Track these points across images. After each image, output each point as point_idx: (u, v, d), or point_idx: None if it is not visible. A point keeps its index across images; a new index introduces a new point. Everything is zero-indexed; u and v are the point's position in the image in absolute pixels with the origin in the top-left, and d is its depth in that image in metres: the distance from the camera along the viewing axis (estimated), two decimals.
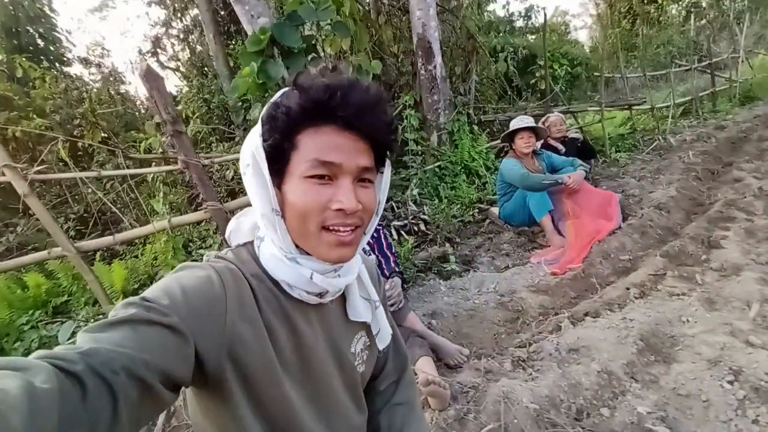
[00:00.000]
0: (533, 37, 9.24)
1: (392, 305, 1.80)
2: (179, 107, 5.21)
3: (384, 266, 1.95)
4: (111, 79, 7.80)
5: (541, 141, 3.37)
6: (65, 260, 2.83)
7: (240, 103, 4.82)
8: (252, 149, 0.54)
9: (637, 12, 12.92)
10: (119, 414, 0.36)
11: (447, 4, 4.95)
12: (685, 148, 4.70)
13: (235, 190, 4.10)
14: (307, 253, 0.57)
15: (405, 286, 2.04)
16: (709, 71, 7.24)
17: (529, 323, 2.06)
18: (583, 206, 2.88)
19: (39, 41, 7.52)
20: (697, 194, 3.40)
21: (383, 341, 0.70)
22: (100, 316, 2.44)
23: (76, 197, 4.50)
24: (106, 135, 4.72)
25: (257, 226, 0.60)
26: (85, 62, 8.89)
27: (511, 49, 6.12)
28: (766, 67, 8.46)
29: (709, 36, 9.09)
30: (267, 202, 0.54)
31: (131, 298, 0.45)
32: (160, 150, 3.72)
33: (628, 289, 2.11)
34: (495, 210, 3.39)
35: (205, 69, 6.72)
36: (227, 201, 2.39)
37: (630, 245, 2.63)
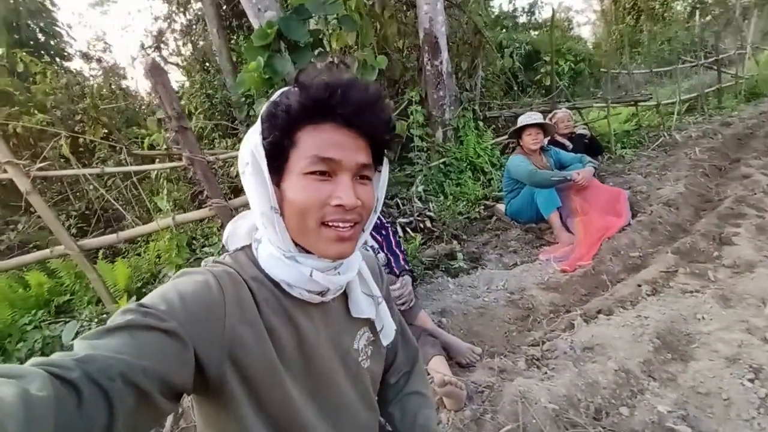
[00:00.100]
0: (536, 33, 9.17)
1: (403, 304, 1.77)
2: (182, 103, 5.16)
3: (393, 264, 1.92)
4: (111, 74, 7.74)
5: (549, 137, 3.34)
6: (67, 258, 2.79)
7: (243, 99, 4.78)
8: (251, 147, 0.54)
9: (641, 8, 12.82)
10: (115, 421, 0.36)
11: None
12: (691, 145, 4.66)
13: (239, 187, 4.05)
14: (306, 252, 0.57)
15: (414, 284, 2.01)
16: (715, 67, 7.19)
17: (541, 321, 2.04)
18: (591, 203, 2.85)
19: (40, 36, 7.44)
20: (706, 191, 3.37)
21: (387, 338, 0.70)
22: (104, 316, 2.41)
23: (78, 194, 4.46)
24: (107, 131, 4.68)
25: (254, 228, 0.61)
26: (86, 57, 8.83)
27: (517, 45, 6.07)
28: None
29: (716, 32, 9.02)
30: (266, 200, 0.54)
31: (129, 305, 0.45)
32: (164, 146, 3.68)
33: (639, 286, 2.08)
34: (501, 207, 3.37)
35: (208, 64, 6.65)
36: (231, 198, 2.35)
37: (640, 242, 2.60)
